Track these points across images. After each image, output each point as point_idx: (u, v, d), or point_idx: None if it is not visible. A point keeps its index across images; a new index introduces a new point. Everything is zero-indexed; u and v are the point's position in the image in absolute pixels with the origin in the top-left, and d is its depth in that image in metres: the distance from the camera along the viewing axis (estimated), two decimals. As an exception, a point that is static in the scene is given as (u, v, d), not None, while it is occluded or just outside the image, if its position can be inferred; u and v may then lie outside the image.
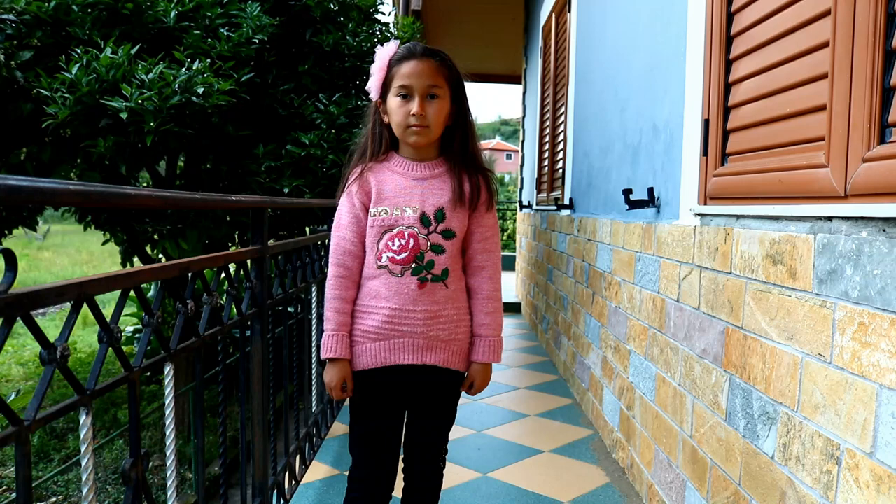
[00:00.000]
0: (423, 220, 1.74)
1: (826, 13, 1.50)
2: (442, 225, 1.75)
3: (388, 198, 1.75)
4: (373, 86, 1.78)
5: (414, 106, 1.70)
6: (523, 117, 8.22)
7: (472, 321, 1.86)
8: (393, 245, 1.74)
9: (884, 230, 1.27)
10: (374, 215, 1.75)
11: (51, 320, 10.02)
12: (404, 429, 1.90)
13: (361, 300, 1.78)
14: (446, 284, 1.77)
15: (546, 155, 6.02)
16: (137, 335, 5.94)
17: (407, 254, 1.73)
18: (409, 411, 1.87)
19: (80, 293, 1.06)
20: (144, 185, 4.80)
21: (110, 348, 1.18)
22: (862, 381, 1.30)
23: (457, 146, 1.81)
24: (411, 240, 1.73)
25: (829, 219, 1.46)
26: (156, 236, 4.24)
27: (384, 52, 1.77)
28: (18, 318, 0.94)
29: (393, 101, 1.74)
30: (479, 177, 1.82)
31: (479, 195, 1.80)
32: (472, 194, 1.78)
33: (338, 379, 1.76)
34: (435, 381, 1.81)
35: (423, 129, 1.72)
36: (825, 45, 1.50)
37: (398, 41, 1.80)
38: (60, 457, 5.21)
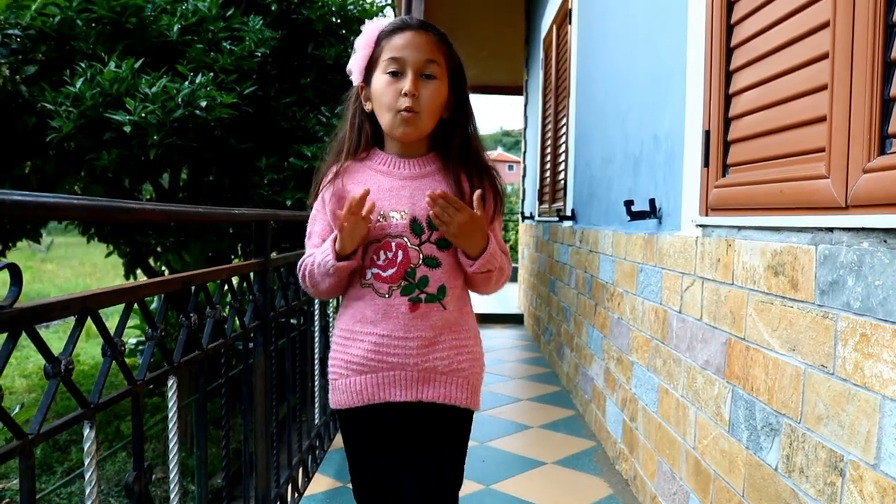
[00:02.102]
0: (414, 227, 1.46)
1: (825, 24, 1.51)
2: (436, 233, 1.46)
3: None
4: (355, 65, 1.51)
5: (406, 83, 1.42)
6: (525, 128, 8.24)
7: (479, 345, 1.59)
8: (378, 259, 1.46)
9: (885, 241, 1.28)
10: None
11: (54, 332, 10.04)
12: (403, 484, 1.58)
13: (345, 324, 1.52)
14: (444, 305, 1.48)
15: (548, 166, 6.03)
16: (141, 347, 5.95)
17: (395, 269, 1.45)
18: (407, 463, 1.56)
19: (84, 307, 1.06)
20: (148, 197, 4.82)
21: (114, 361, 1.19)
22: (865, 393, 1.30)
23: (456, 144, 1.52)
24: (399, 252, 1.45)
25: (831, 230, 1.46)
26: (159, 248, 4.26)
27: (372, 26, 1.51)
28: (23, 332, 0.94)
29: (380, 80, 1.46)
30: (484, 178, 1.54)
31: (484, 202, 1.48)
32: (472, 197, 1.46)
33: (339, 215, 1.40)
34: (435, 422, 1.51)
35: (414, 117, 1.44)
36: (825, 56, 1.51)
37: (389, 19, 1.55)
38: (63, 469, 5.22)
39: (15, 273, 0.90)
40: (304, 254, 1.58)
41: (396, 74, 1.45)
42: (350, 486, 1.64)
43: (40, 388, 7.39)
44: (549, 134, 5.98)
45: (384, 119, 1.48)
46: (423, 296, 1.46)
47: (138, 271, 4.75)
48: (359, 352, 1.48)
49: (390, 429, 1.52)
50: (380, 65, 1.47)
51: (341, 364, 1.52)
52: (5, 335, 0.91)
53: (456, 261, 1.51)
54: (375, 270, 1.46)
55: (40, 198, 0.93)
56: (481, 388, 1.58)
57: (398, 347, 1.46)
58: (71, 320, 1.07)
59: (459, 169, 1.52)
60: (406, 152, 1.53)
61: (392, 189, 1.48)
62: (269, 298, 2.18)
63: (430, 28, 1.50)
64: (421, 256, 1.46)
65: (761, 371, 1.74)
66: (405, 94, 1.43)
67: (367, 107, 1.53)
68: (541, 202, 6.38)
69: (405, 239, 1.46)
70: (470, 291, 1.61)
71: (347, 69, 1.55)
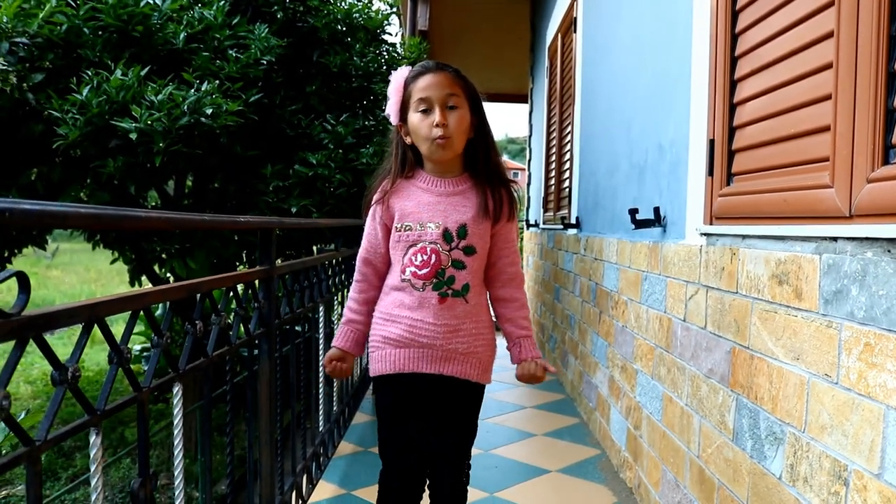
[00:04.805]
0: (446, 236, 1.78)
1: (829, 35, 1.51)
2: (464, 241, 1.78)
3: (412, 213, 1.79)
4: (391, 109, 1.83)
5: (436, 116, 1.73)
6: (530, 136, 8.25)
7: (504, 325, 1.93)
8: (416, 260, 1.78)
9: (889, 251, 1.28)
10: (399, 230, 1.80)
11: (59, 339, 10.06)
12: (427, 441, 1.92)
13: (386, 308, 1.85)
14: (466, 300, 1.81)
15: (552, 174, 6.04)
16: (146, 353, 5.96)
17: (428, 269, 1.77)
18: (429, 423, 1.89)
19: (91, 315, 1.07)
20: (153, 204, 4.83)
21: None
22: (869, 402, 1.30)
23: (481, 160, 1.85)
24: (433, 255, 1.77)
25: (835, 239, 1.47)
26: (164, 255, 4.26)
27: (398, 75, 1.82)
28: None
29: (414, 117, 1.78)
30: (501, 190, 1.86)
31: (501, 207, 1.84)
32: (495, 208, 1.83)
33: (333, 355, 1.90)
34: (453, 392, 1.85)
35: (447, 142, 1.75)
36: (828, 66, 1.51)
37: (409, 66, 1.85)
38: (68, 475, 5.22)
39: (23, 281, 0.90)
40: (332, 259, 1.96)
41: (426, 111, 1.76)
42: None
43: (45, 394, 7.41)
44: (554, 142, 5.98)
45: (423, 147, 1.80)
46: (450, 291, 1.79)
47: (143, 278, 4.76)
48: (397, 330, 1.81)
49: (418, 395, 1.85)
50: (411, 105, 1.78)
51: (380, 339, 1.84)
52: (13, 342, 0.92)
53: (478, 264, 1.84)
54: (413, 269, 1.79)
55: (47, 206, 0.93)
56: (493, 366, 1.92)
57: (428, 331, 1.79)
58: (75, 326, 1.08)
59: (486, 186, 1.83)
60: (443, 173, 1.84)
61: (430, 203, 1.80)
62: (274, 306, 2.18)
63: (446, 67, 1.80)
64: (450, 260, 1.79)
65: (765, 380, 1.74)
66: (437, 126, 1.73)
67: (408, 140, 1.84)
68: (545, 210, 6.38)
69: (438, 245, 1.78)
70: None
71: (385, 113, 1.87)
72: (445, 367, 1.81)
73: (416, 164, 1.88)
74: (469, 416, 1.93)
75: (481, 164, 1.85)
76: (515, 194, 1.91)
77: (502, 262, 1.90)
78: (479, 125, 1.85)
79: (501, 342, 1.96)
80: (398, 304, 1.82)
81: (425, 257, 1.78)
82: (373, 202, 1.88)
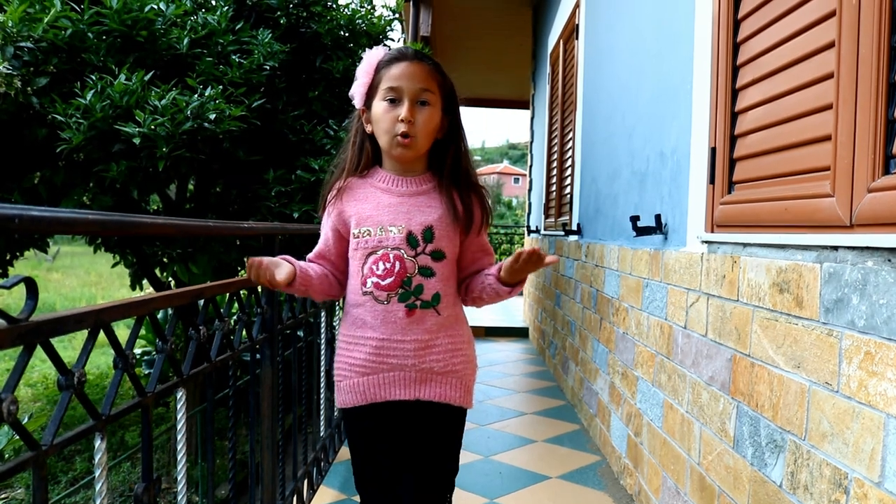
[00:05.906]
0: (410, 240, 1.58)
1: (830, 45, 1.52)
2: (431, 245, 1.59)
3: (371, 216, 1.60)
4: (357, 91, 1.64)
5: (403, 111, 1.55)
6: (531, 142, 8.26)
7: (472, 349, 1.71)
8: (377, 269, 1.58)
9: (889, 260, 1.29)
10: (357, 236, 1.60)
11: (59, 341, 10.05)
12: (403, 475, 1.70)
13: (348, 330, 1.65)
14: (438, 311, 1.61)
15: (554, 180, 6.05)
16: (146, 357, 5.96)
17: (392, 278, 1.57)
18: (405, 456, 1.68)
19: (98, 320, 1.08)
20: (155, 207, 4.84)
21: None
22: (869, 411, 1.31)
23: (449, 162, 1.65)
24: (397, 263, 1.57)
25: (835, 248, 1.47)
26: (165, 259, 4.27)
27: (372, 55, 1.63)
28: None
29: (379, 107, 1.59)
30: (471, 195, 1.66)
31: (472, 216, 1.64)
32: (465, 214, 1.63)
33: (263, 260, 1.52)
34: (432, 420, 1.64)
35: (410, 141, 1.57)
36: (829, 76, 1.52)
37: (388, 47, 1.67)
38: (68, 479, 5.22)
39: (31, 287, 0.91)
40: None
41: (394, 101, 1.57)
42: (355, 498, 1.69)
43: (46, 397, 7.41)
44: (556, 148, 6.00)
45: (382, 140, 1.61)
46: (418, 302, 1.59)
47: (144, 282, 4.77)
48: (361, 355, 1.61)
49: (391, 425, 1.65)
50: (379, 92, 1.59)
51: (346, 367, 1.64)
52: (20, 348, 0.92)
53: (449, 271, 1.64)
54: (375, 279, 1.58)
55: (56, 213, 0.94)
56: (474, 387, 1.71)
57: (397, 350, 1.59)
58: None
59: (452, 188, 1.64)
60: (404, 171, 1.65)
61: (391, 205, 1.61)
62: (277, 311, 2.19)
63: (425, 58, 1.62)
64: (417, 267, 1.59)
65: (766, 387, 1.75)
66: (402, 121, 1.55)
67: (368, 129, 1.65)
68: (546, 216, 6.39)
69: (402, 251, 1.58)
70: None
71: (350, 94, 1.66)
72: (422, 390, 1.61)
73: (374, 160, 1.69)
74: (451, 448, 1.70)
75: (447, 168, 1.65)
76: (488, 201, 1.71)
77: (482, 262, 1.70)
78: (451, 126, 1.66)
79: (482, 359, 1.74)
80: (360, 325, 1.61)
81: (388, 265, 1.57)
82: (327, 202, 1.69)
